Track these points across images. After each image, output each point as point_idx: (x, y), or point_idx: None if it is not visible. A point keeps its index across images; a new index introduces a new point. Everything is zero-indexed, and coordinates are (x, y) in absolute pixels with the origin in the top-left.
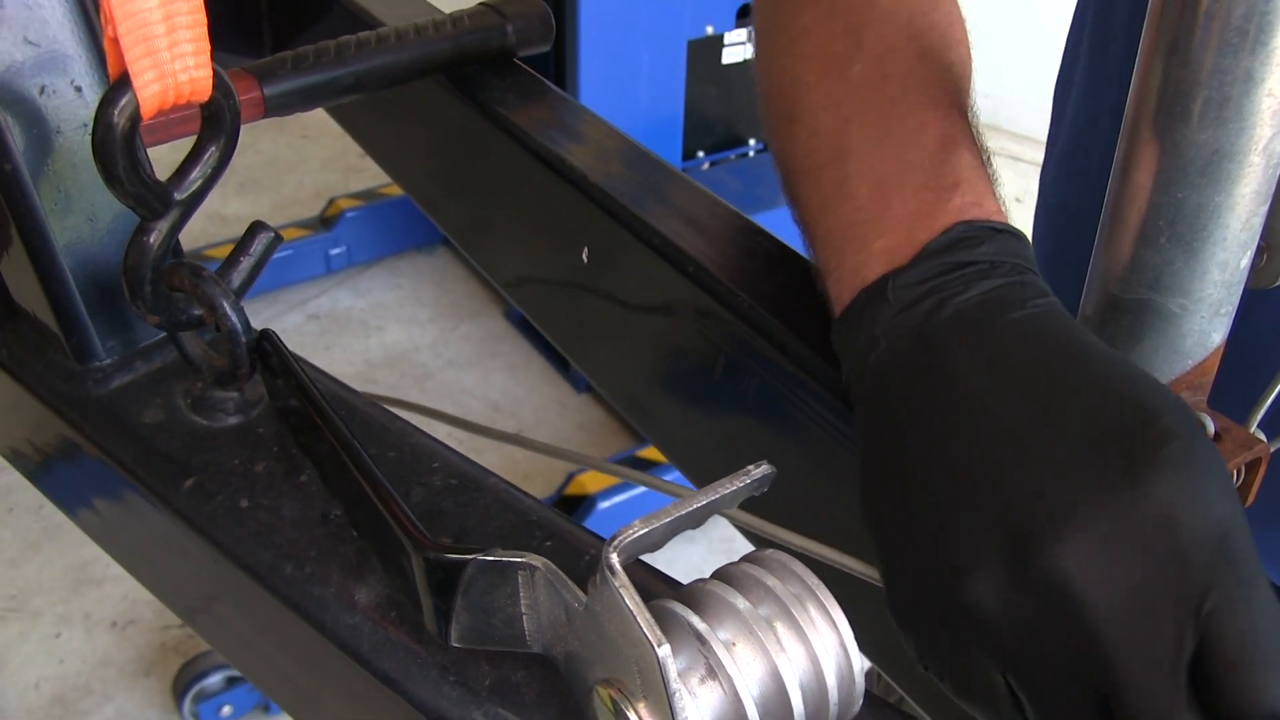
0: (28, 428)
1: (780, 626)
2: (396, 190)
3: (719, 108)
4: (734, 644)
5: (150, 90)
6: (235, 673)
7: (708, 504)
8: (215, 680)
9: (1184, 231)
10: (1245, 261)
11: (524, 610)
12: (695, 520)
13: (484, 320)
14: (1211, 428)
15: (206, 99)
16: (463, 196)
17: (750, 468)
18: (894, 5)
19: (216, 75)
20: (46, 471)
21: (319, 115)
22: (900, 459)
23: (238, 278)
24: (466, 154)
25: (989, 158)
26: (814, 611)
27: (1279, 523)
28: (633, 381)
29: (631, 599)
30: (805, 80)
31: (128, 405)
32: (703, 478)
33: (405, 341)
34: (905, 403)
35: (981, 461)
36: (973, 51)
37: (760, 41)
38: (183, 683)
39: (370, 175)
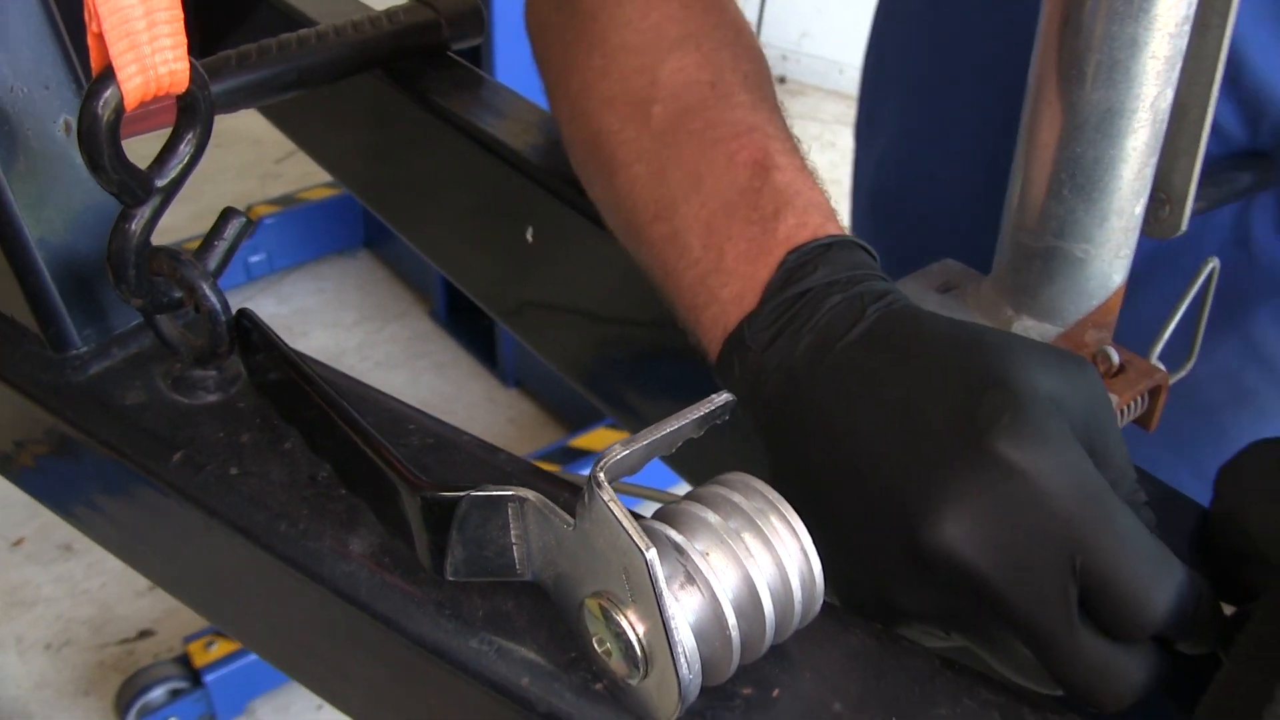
0: (10, 423)
1: (748, 537)
2: (315, 194)
3: None
4: (708, 553)
5: (133, 83)
6: (179, 685)
7: (678, 428)
8: (158, 694)
9: (1084, 183)
10: (1139, 209)
11: (514, 540)
12: (668, 444)
13: (409, 320)
14: (1116, 360)
15: (184, 90)
16: (406, 188)
17: (713, 396)
18: (681, 31)
19: (193, 66)
20: (34, 470)
21: (232, 124)
22: (799, 491)
23: (213, 261)
24: (407, 146)
25: (805, 156)
26: (777, 523)
27: (1183, 451)
28: (588, 355)
29: (619, 510)
30: (610, 128)
31: (108, 389)
32: None
33: (332, 345)
34: (786, 442)
35: (860, 480)
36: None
37: (553, 83)
38: (125, 699)
39: (287, 181)
